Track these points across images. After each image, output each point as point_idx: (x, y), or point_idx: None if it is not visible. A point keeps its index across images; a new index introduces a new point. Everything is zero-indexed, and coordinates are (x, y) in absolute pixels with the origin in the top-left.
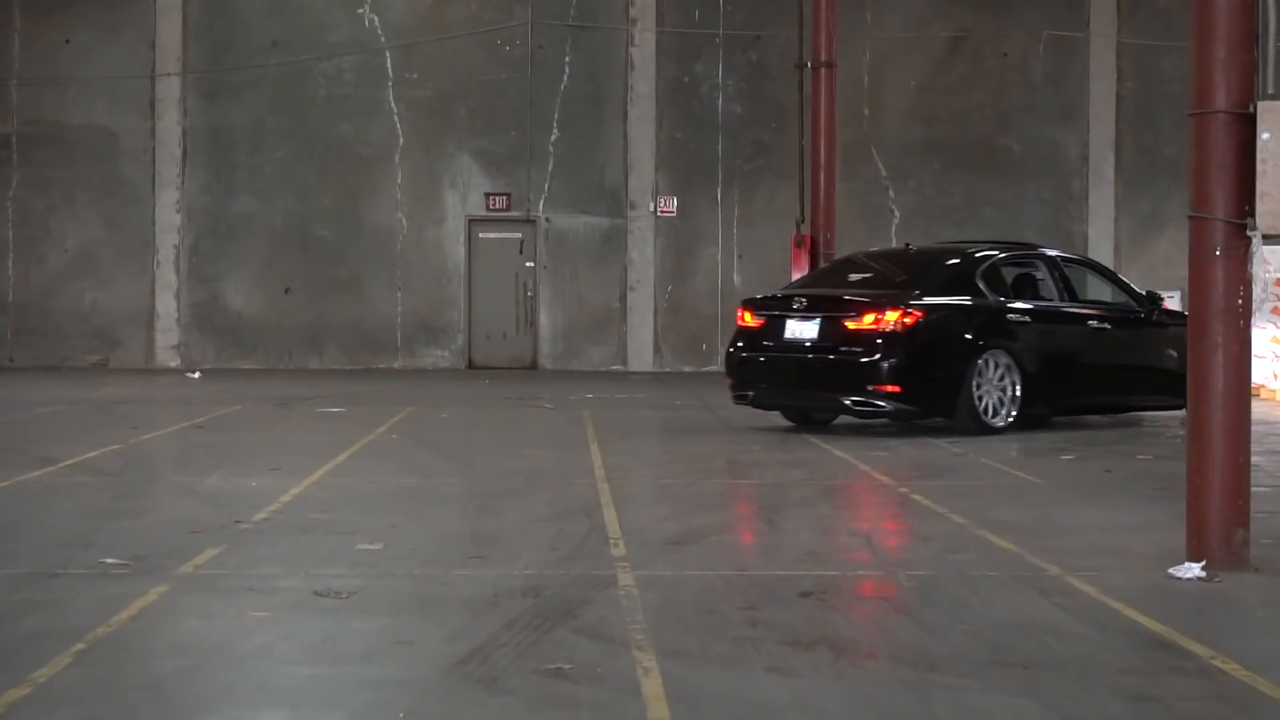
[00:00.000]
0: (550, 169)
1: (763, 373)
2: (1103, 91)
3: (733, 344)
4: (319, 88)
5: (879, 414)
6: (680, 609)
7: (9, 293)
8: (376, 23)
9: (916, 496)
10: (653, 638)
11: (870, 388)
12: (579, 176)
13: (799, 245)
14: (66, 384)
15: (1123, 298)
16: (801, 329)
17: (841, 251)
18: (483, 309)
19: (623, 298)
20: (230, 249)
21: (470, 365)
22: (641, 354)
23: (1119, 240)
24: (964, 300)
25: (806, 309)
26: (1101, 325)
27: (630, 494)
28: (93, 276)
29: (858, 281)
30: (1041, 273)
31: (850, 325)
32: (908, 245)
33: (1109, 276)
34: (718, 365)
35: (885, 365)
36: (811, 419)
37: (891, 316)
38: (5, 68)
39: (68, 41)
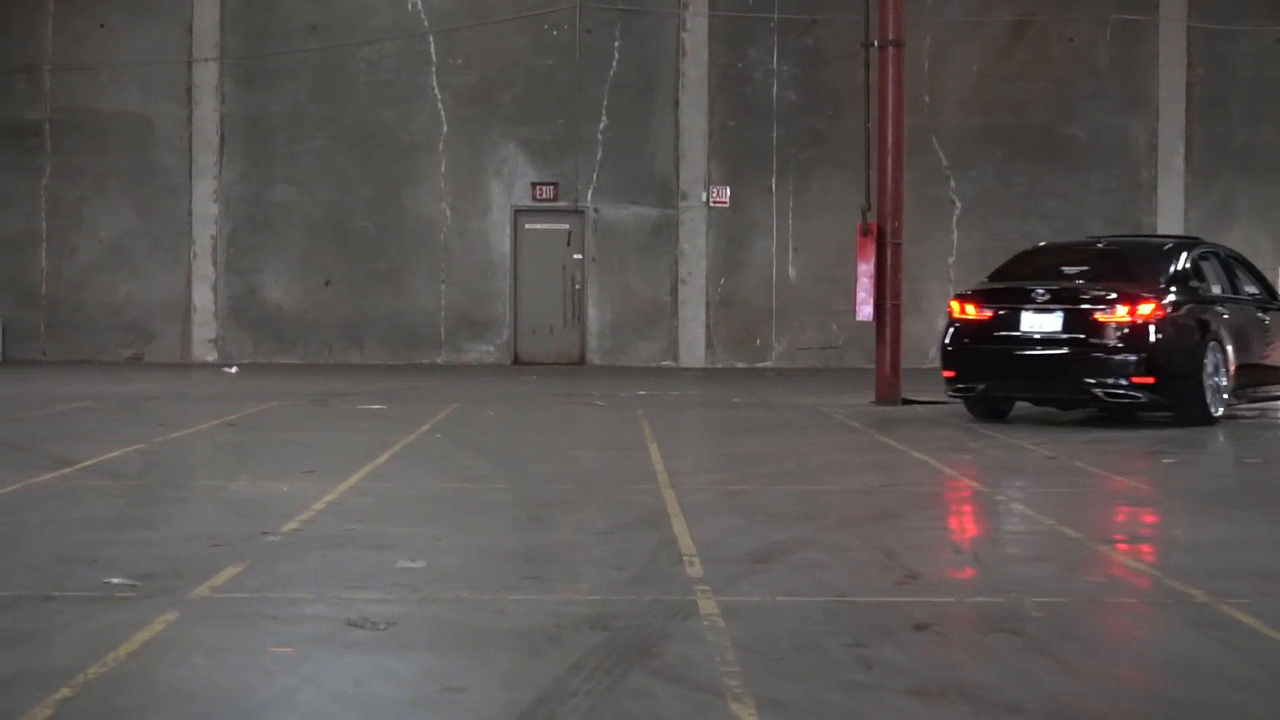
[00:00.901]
0: (599, 158)
1: (995, 365)
2: (1172, 78)
3: (952, 337)
4: (360, 73)
5: (1132, 405)
6: (776, 646)
7: (41, 285)
8: (419, 6)
9: (1016, 504)
10: (748, 684)
11: (1125, 379)
12: (628, 166)
13: (865, 234)
14: (97, 379)
15: (1261, 289)
16: (1041, 321)
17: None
18: (529, 302)
19: (673, 291)
20: (268, 240)
21: (516, 360)
22: (693, 349)
23: (1187, 233)
24: (1193, 293)
25: (1048, 301)
26: (1260, 315)
27: (698, 502)
28: (127, 268)
29: (1081, 274)
30: (1217, 265)
31: (1101, 317)
32: (1095, 238)
33: (1251, 269)
34: (772, 361)
35: (1141, 357)
36: (889, 419)
37: (1146, 309)
38: (37, 53)
39: (101, 26)
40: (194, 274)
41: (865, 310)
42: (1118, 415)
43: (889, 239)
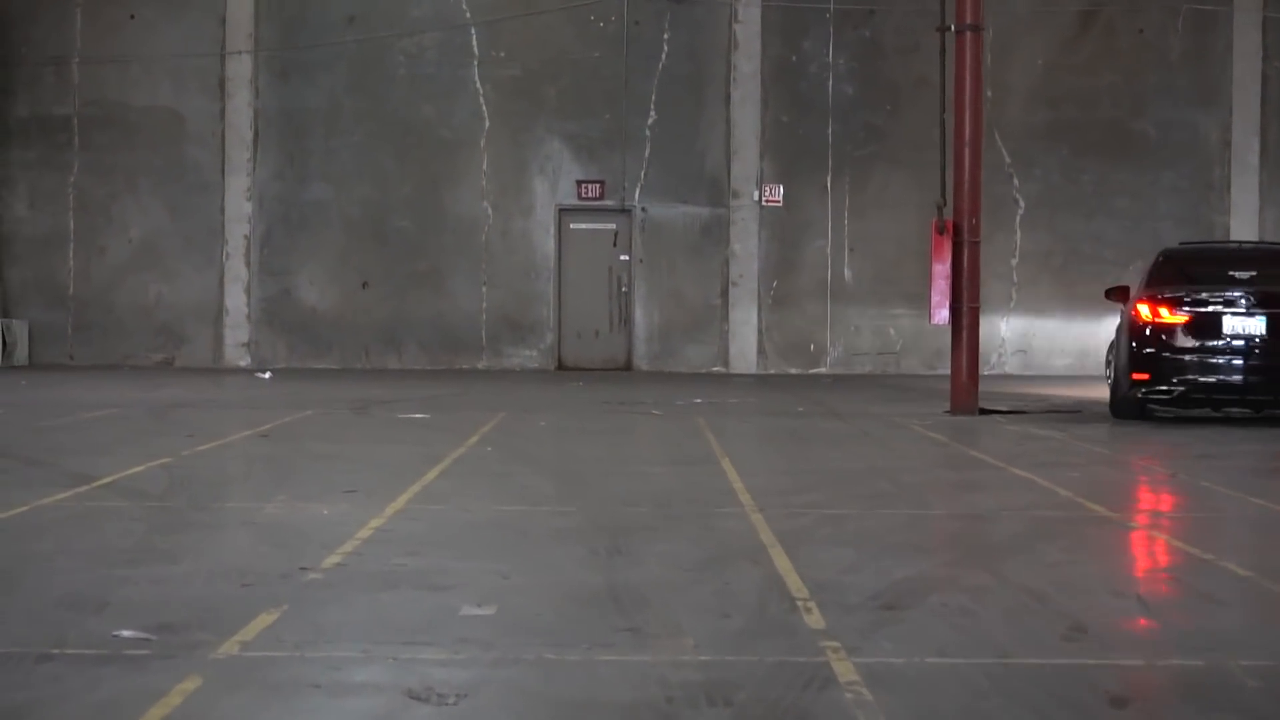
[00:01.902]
0: (647, 155)
1: (1194, 368)
2: (1247, 72)
3: (1141, 341)
4: (399, 67)
5: None
6: None
7: (69, 285)
8: None
9: (1159, 534)
10: None
11: None
12: (677, 163)
13: (940, 232)
14: (125, 384)
15: None
16: (1246, 325)
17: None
18: (573, 305)
19: (724, 294)
20: (303, 240)
21: (560, 366)
22: (744, 355)
23: (1263, 234)
24: None
25: (1254, 305)
26: None
27: (794, 529)
28: (157, 269)
29: (1262, 277)
30: None
31: None
32: (1239, 241)
33: None
34: (826, 367)
35: None
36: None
37: None
38: (65, 45)
39: (132, 17)
40: (226, 275)
41: (941, 314)
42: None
43: (966, 237)
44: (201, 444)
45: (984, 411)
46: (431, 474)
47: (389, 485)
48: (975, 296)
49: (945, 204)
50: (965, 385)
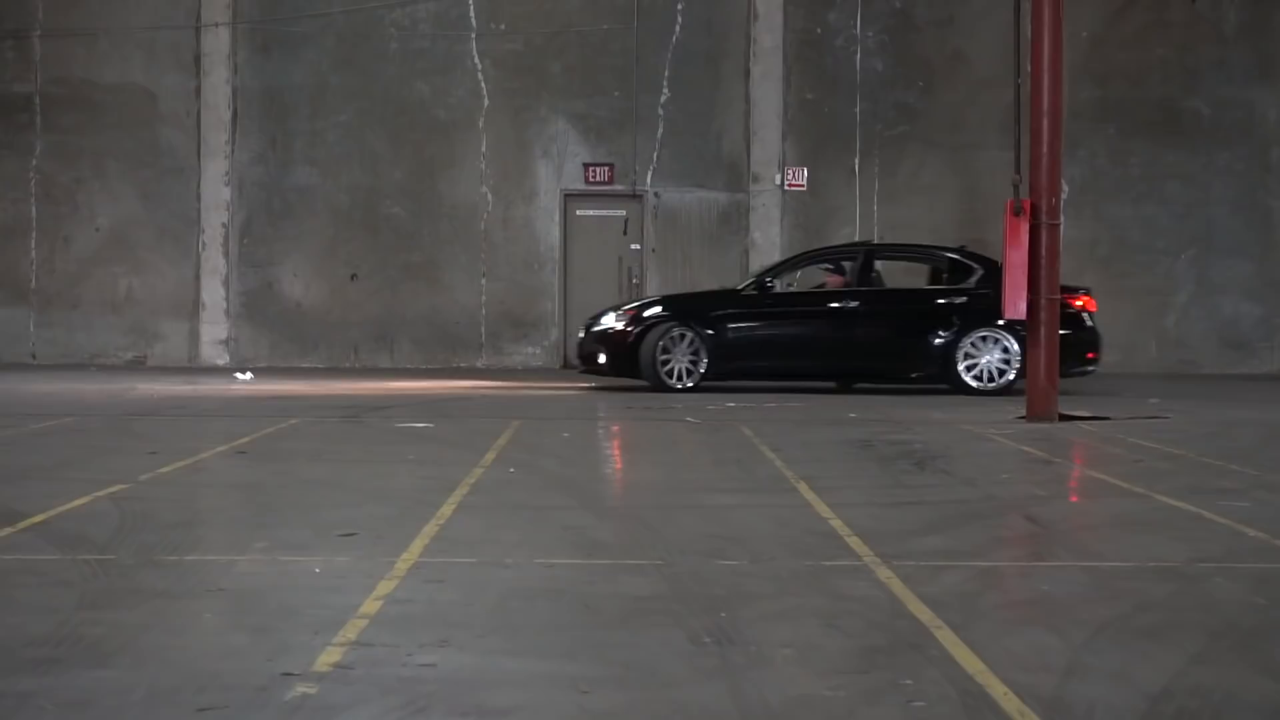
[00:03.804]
0: (659, 136)
1: None
2: None
3: None
4: (390, 41)
5: None
6: None
7: (31, 279)
8: None
9: None
10: None
11: None
12: (693, 144)
13: (1017, 214)
14: (89, 386)
15: None
16: None
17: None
18: (580, 299)
19: None
20: (287, 229)
21: (565, 364)
22: None
23: None
24: None
25: None
26: None
27: (947, 594)
28: (128, 260)
29: None
30: None
31: None
32: None
33: None
34: None
35: None
36: None
37: None
38: (25, 17)
39: None
40: (203, 267)
41: (1018, 306)
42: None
43: (1044, 219)
44: (166, 464)
45: (1064, 417)
46: (447, 506)
47: (397, 524)
48: (1055, 287)
49: (1021, 181)
50: (1044, 388)
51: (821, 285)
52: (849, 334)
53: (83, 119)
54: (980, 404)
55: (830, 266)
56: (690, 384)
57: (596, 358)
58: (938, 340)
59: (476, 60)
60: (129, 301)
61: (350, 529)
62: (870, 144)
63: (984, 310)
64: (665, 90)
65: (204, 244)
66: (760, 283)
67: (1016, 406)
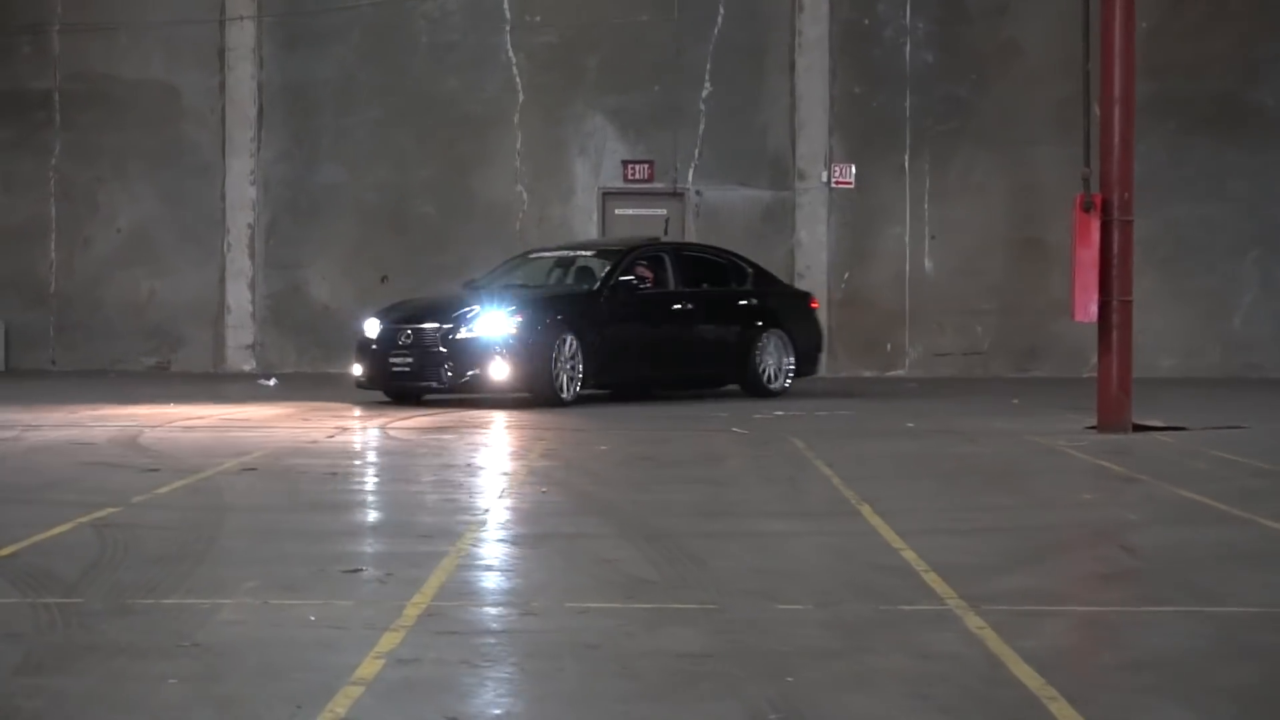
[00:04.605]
0: (701, 131)
1: None
2: None
3: None
4: (420, 34)
5: None
6: None
7: (50, 282)
8: None
9: None
10: None
11: None
12: (735, 140)
13: (1087, 209)
14: (105, 395)
15: None
16: None
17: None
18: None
19: None
20: (314, 229)
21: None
22: None
23: None
24: None
25: None
26: None
27: (1054, 651)
28: (150, 262)
29: None
30: None
31: None
32: None
33: None
34: (905, 369)
35: None
36: None
37: None
38: (44, 11)
39: None
40: (228, 269)
41: (1090, 309)
42: None
43: (1116, 215)
44: (164, 483)
45: (1137, 428)
46: (469, 534)
47: (411, 556)
48: (1128, 288)
49: (1091, 174)
50: (1117, 397)
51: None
52: (696, 336)
53: (103, 116)
54: (1044, 411)
55: (646, 263)
56: (571, 396)
57: (441, 371)
58: (742, 342)
59: (510, 54)
60: (151, 305)
61: (356, 563)
62: (920, 139)
63: (769, 311)
64: (707, 84)
65: (229, 245)
66: (614, 283)
67: (1080, 415)
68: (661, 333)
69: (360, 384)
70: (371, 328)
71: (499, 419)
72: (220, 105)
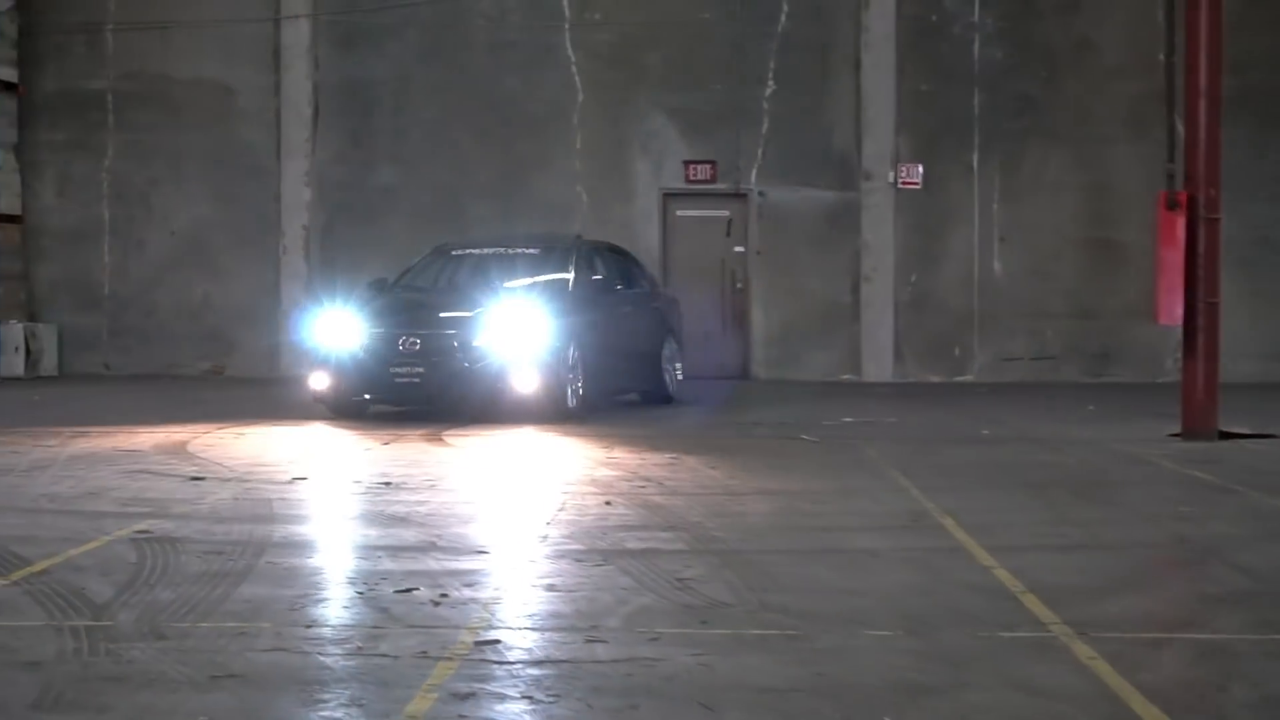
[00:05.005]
0: (764, 131)
1: None
2: None
3: None
4: (478, 32)
5: None
6: None
7: (104, 285)
8: None
9: None
10: None
11: None
12: (800, 140)
13: (1171, 207)
14: (156, 400)
15: None
16: None
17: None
18: (681, 304)
19: (854, 290)
20: (370, 231)
21: None
22: (878, 360)
23: None
24: None
25: None
26: None
27: (1182, 686)
28: (204, 265)
29: None
30: None
31: None
32: None
33: None
34: (974, 374)
35: None
36: None
37: None
38: (98, 10)
39: None
40: (283, 271)
41: (1175, 311)
42: None
43: (1202, 213)
44: (209, 493)
45: (1223, 435)
46: (529, 550)
47: (467, 573)
48: (1215, 289)
49: (1175, 170)
50: (1203, 403)
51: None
52: (634, 341)
53: (157, 117)
54: (1123, 417)
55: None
56: (575, 405)
57: (464, 383)
58: (654, 347)
59: (570, 52)
60: (206, 308)
61: (409, 583)
62: (990, 138)
63: (664, 313)
64: (770, 83)
65: (284, 248)
66: (584, 282)
67: (1160, 422)
68: (617, 338)
69: (322, 399)
70: (346, 331)
71: (527, 430)
72: (275, 105)
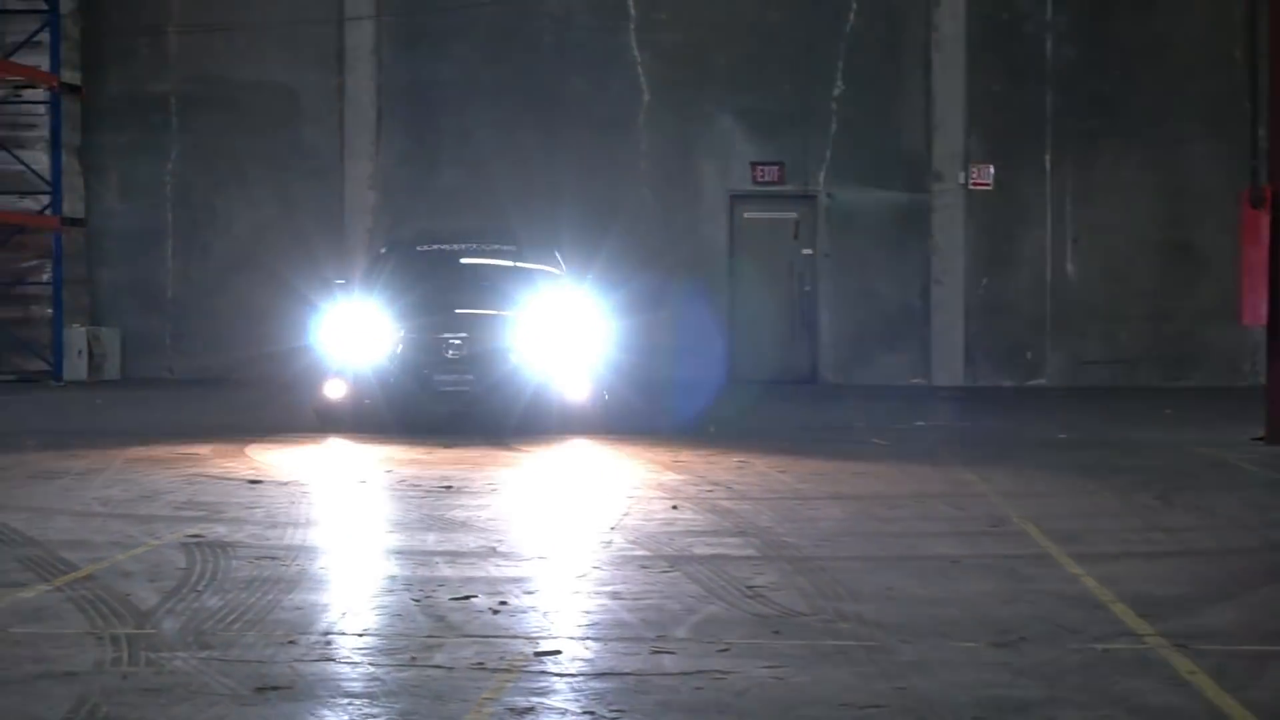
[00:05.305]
0: (833, 132)
1: None
2: None
3: None
4: (543, 33)
5: None
6: None
7: (167, 288)
8: None
9: None
10: None
11: None
12: (869, 141)
13: (1256, 205)
14: (218, 406)
15: None
16: None
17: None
18: (748, 307)
19: (924, 293)
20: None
21: (732, 376)
22: (948, 364)
23: None
24: None
25: None
26: None
27: None
28: (268, 269)
29: None
30: None
31: None
32: None
33: None
34: (1046, 379)
35: None
36: None
37: None
38: (162, 12)
39: None
40: (349, 276)
41: (1259, 311)
42: None
43: None
44: (265, 496)
45: None
46: (592, 555)
47: (526, 580)
48: None
49: (1259, 168)
50: None
51: None
52: None
53: (221, 119)
54: (1201, 423)
55: None
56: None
57: (521, 392)
58: None
59: (635, 53)
60: (269, 313)
61: (466, 590)
62: (1063, 139)
63: None
64: (839, 83)
65: (348, 251)
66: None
67: (1242, 426)
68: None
69: (338, 411)
70: (368, 332)
71: (583, 438)
72: (339, 108)
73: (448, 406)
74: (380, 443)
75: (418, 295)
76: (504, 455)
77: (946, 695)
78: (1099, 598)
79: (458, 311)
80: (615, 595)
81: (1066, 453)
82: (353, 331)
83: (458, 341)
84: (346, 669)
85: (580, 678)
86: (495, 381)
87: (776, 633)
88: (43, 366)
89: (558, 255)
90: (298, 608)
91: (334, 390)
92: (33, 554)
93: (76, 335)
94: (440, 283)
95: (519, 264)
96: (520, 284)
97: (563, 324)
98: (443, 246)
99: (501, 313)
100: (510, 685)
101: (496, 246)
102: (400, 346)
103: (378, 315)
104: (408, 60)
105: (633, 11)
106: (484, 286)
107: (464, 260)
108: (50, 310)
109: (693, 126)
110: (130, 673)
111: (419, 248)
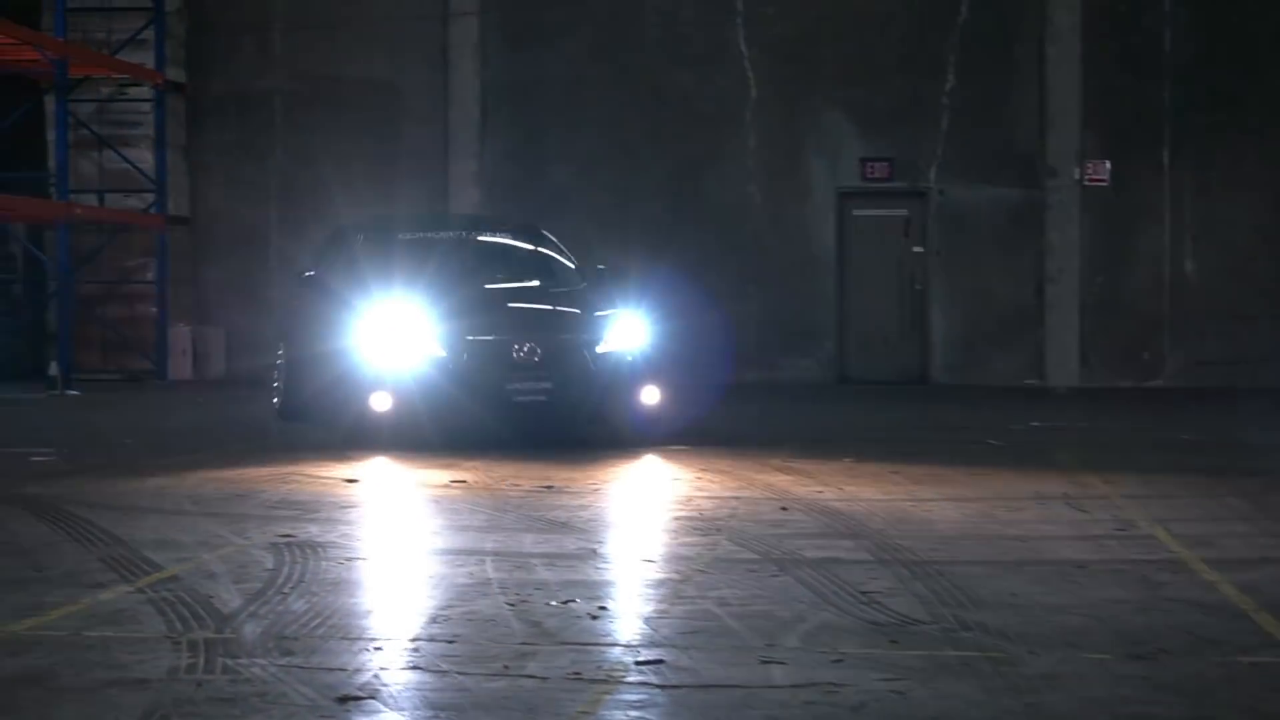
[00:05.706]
0: (944, 127)
1: None
2: None
3: None
4: (651, 28)
5: None
6: None
7: (270, 287)
8: None
9: None
10: None
11: None
12: (981, 136)
13: None
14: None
15: None
16: None
17: None
18: (858, 307)
19: (1038, 292)
20: None
21: (842, 378)
22: (1064, 364)
23: None
24: None
25: None
26: None
27: None
28: None
29: None
30: None
31: None
32: None
33: None
34: (1164, 379)
35: None
36: None
37: None
38: (265, 10)
39: None
40: None
41: None
42: None
43: None
44: (360, 499)
45: None
46: (696, 558)
47: (628, 584)
48: None
49: None
50: None
51: None
52: None
53: (324, 117)
54: None
55: None
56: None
57: (595, 401)
58: None
59: (743, 47)
60: None
61: (564, 594)
62: (1182, 134)
63: None
64: (950, 77)
65: None
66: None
67: None
68: None
69: (372, 420)
70: (414, 337)
71: (673, 444)
72: (443, 105)
73: (521, 416)
74: (484, 438)
75: (459, 293)
76: (599, 454)
77: (1081, 712)
78: (1240, 606)
79: (514, 306)
80: (721, 601)
81: (1192, 455)
82: (396, 336)
83: (534, 347)
84: (434, 678)
85: (683, 689)
86: (570, 386)
87: (893, 642)
88: (147, 365)
89: (550, 235)
90: (387, 611)
91: (381, 402)
92: (118, 554)
93: (181, 334)
94: (467, 275)
95: (521, 244)
96: (546, 272)
97: (626, 320)
98: (428, 234)
99: (567, 309)
100: (608, 698)
101: (490, 237)
102: (465, 354)
103: (422, 317)
104: (512, 57)
105: (740, 6)
106: (513, 277)
107: (476, 244)
108: (155, 309)
109: (801, 122)
110: (205, 680)
111: (403, 237)
